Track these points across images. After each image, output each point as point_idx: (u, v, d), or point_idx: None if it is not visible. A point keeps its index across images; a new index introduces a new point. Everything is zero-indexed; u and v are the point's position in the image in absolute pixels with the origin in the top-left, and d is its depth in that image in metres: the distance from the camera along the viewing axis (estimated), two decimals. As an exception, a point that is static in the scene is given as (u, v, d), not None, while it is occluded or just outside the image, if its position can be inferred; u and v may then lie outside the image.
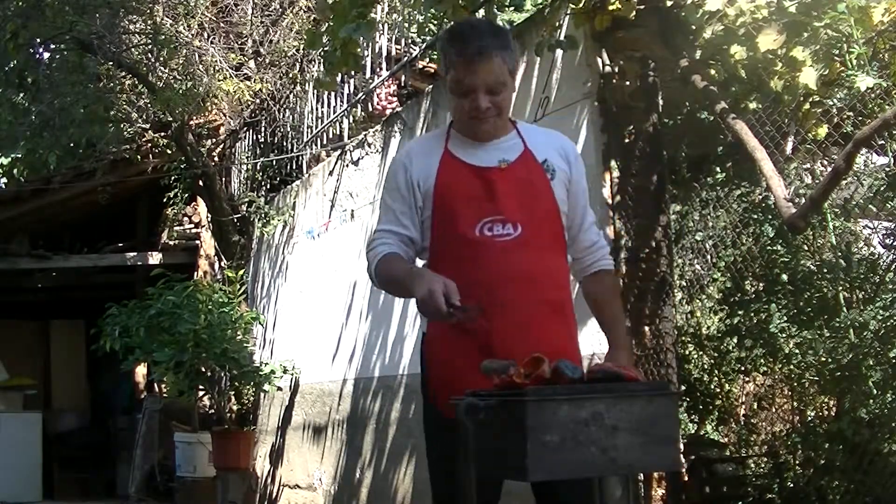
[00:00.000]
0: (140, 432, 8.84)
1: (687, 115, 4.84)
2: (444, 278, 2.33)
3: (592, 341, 3.85)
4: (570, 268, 2.70)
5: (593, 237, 2.68)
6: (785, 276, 4.47)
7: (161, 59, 8.47)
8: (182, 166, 8.93)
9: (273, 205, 8.41)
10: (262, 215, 8.45)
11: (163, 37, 8.20)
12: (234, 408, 8.24)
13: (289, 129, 8.47)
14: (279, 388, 7.64)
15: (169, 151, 9.03)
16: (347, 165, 7.04)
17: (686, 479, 4.32)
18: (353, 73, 6.84)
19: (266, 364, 7.68)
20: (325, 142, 7.80)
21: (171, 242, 9.63)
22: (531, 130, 2.69)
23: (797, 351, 4.32)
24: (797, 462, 4.37)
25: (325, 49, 4.73)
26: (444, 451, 2.44)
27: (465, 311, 2.31)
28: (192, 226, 9.60)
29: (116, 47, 8.14)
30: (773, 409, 4.96)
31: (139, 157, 9.17)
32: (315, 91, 7.76)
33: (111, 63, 8.25)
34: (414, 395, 5.78)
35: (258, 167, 8.91)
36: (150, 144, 9.12)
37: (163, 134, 8.94)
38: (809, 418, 4.62)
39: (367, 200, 6.65)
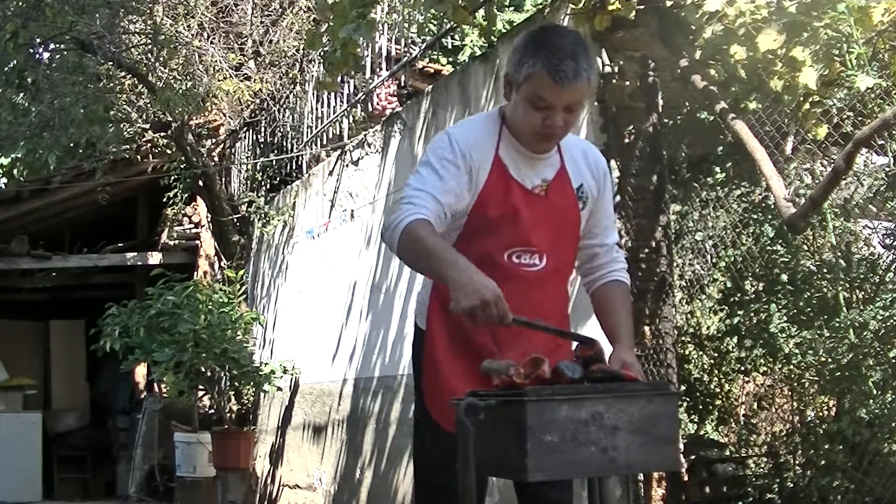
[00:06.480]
0: (140, 432, 8.83)
1: (687, 115, 4.84)
2: (494, 285, 2.15)
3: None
4: (581, 274, 2.66)
5: (613, 254, 2.61)
6: (785, 276, 4.46)
7: (161, 59, 8.47)
8: (182, 166, 8.93)
9: (273, 205, 8.41)
10: (262, 215, 8.45)
11: (163, 37, 8.20)
12: (234, 408, 8.24)
13: (289, 129, 8.47)
14: (279, 388, 7.64)
15: (169, 151, 9.03)
16: (347, 165, 7.04)
17: (686, 479, 4.32)
18: (353, 73, 6.84)
19: (266, 364, 7.68)
20: (325, 142, 7.80)
21: (171, 242, 9.63)
22: (568, 141, 2.54)
23: (797, 351, 4.31)
24: (797, 462, 4.37)
25: (325, 49, 4.73)
26: (432, 455, 2.48)
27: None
28: (192, 226, 9.60)
29: (116, 47, 8.14)
30: (773, 409, 4.94)
31: (139, 157, 9.17)
32: (315, 91, 7.76)
33: (111, 63, 8.25)
34: (413, 394, 5.78)
35: (258, 167, 8.91)
36: (150, 144, 9.12)
37: (163, 134, 8.94)
38: (809, 418, 4.60)
39: (367, 200, 6.65)
